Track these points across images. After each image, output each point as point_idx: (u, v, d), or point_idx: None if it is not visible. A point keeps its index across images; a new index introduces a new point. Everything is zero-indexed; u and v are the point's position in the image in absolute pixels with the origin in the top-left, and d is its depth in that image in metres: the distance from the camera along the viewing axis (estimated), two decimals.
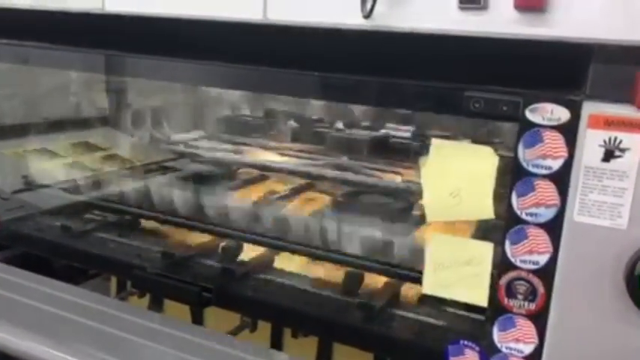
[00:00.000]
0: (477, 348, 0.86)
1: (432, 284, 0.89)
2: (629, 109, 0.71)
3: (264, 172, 1.58)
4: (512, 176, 0.78)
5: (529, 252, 0.79)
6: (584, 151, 0.73)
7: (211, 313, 1.18)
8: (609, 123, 0.71)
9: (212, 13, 0.95)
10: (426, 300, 0.99)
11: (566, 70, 0.75)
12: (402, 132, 1.54)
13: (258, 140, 1.74)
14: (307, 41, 0.91)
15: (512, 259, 0.80)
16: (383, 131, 1.61)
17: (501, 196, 0.81)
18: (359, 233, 1.14)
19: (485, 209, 0.84)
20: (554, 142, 0.75)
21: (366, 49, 0.89)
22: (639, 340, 0.74)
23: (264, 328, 1.20)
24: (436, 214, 0.88)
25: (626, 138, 0.71)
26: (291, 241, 1.20)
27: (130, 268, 1.14)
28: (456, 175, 0.85)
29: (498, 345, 0.83)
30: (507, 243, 0.80)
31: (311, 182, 1.49)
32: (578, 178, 0.74)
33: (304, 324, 1.08)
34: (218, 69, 1.03)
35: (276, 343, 1.21)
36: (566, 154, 0.75)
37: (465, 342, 0.87)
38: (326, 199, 1.37)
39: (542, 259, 0.78)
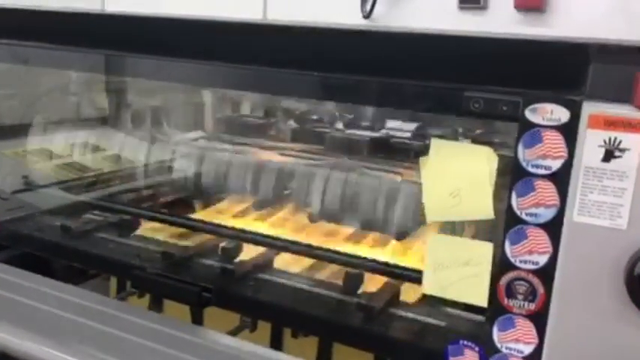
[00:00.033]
0: (477, 348, 0.86)
1: (432, 284, 0.89)
2: (629, 109, 0.71)
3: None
4: (511, 176, 0.78)
5: (529, 252, 0.79)
6: (583, 151, 0.73)
7: (211, 313, 1.17)
8: (609, 123, 0.71)
9: (212, 13, 0.95)
10: (426, 300, 0.99)
11: (566, 70, 0.75)
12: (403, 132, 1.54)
13: (258, 140, 1.74)
14: (307, 41, 0.91)
15: (512, 260, 0.80)
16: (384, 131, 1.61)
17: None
18: None
19: (485, 209, 0.84)
20: (554, 142, 0.75)
21: (366, 49, 0.89)
22: (639, 340, 0.74)
23: (264, 328, 1.20)
24: (436, 214, 0.88)
25: (625, 138, 0.71)
26: (291, 241, 1.20)
27: (130, 268, 1.14)
28: (456, 175, 0.85)
29: (498, 345, 0.83)
30: (507, 243, 0.80)
31: None
32: (577, 179, 0.74)
33: (304, 324, 1.08)
34: (218, 69, 1.03)
35: (276, 343, 1.21)
36: (565, 155, 0.75)
37: (465, 342, 0.87)
38: None
39: (542, 259, 0.78)
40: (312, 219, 1.32)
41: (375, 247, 1.25)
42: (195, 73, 1.08)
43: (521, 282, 0.80)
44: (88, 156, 1.62)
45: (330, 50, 0.91)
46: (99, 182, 1.54)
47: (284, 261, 1.19)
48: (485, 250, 0.85)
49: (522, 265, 0.80)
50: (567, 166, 0.75)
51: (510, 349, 0.82)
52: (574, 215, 0.75)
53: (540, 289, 0.79)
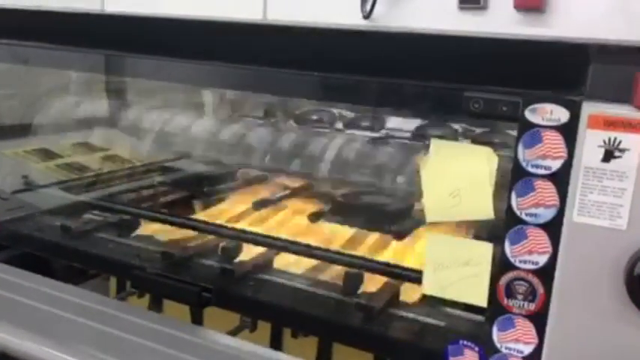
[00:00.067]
0: (477, 348, 0.86)
1: (432, 284, 0.89)
2: (629, 109, 0.71)
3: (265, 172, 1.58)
4: (511, 176, 0.78)
5: (529, 252, 0.79)
6: (583, 151, 0.73)
7: (211, 313, 1.17)
8: (609, 123, 0.71)
9: (212, 13, 0.95)
10: (426, 300, 0.99)
11: (566, 71, 0.75)
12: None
13: None
14: (307, 41, 0.91)
15: (512, 260, 0.80)
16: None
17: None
18: None
19: (485, 209, 0.84)
20: (554, 142, 0.75)
21: (366, 49, 0.89)
22: (639, 340, 0.74)
23: (264, 328, 1.20)
24: (436, 214, 0.88)
25: (625, 138, 0.71)
26: (291, 241, 1.20)
27: (130, 268, 1.14)
28: (456, 175, 0.85)
29: (498, 345, 0.83)
30: (507, 243, 0.80)
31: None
32: (577, 179, 0.74)
33: (304, 324, 1.08)
34: (218, 69, 1.03)
35: (276, 344, 1.21)
36: (565, 155, 0.75)
37: (465, 342, 0.87)
38: None
39: (542, 259, 0.78)
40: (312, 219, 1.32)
41: (377, 249, 1.25)
42: (195, 73, 1.08)
43: (521, 282, 0.80)
44: (88, 156, 1.62)
45: (330, 50, 0.91)
46: (99, 182, 1.54)
47: (284, 264, 1.18)
48: (485, 250, 0.85)
49: (522, 265, 0.80)
50: (567, 166, 0.75)
51: (510, 349, 0.82)
52: (574, 215, 0.75)
53: (540, 289, 0.79)
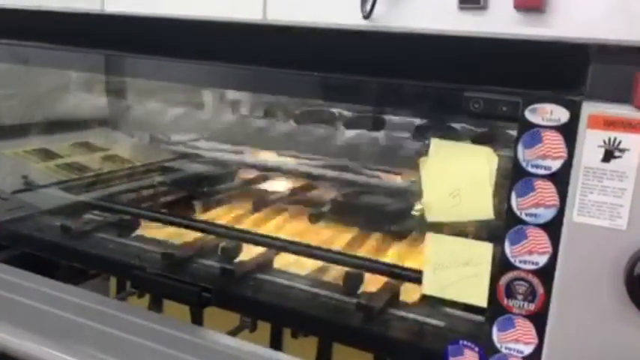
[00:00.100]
0: (477, 348, 0.86)
1: (432, 285, 0.89)
2: (629, 109, 0.71)
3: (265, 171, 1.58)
4: (511, 176, 0.78)
5: (529, 252, 0.79)
6: (583, 151, 0.73)
7: (211, 313, 1.17)
8: (609, 123, 0.71)
9: (212, 13, 0.95)
10: (426, 300, 0.99)
11: (566, 71, 0.75)
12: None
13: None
14: (307, 41, 0.91)
15: (512, 260, 0.80)
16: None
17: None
18: None
19: (485, 209, 0.84)
20: (554, 142, 0.75)
21: (366, 49, 0.89)
22: (639, 340, 0.74)
23: (264, 328, 1.20)
24: (436, 214, 0.87)
25: (625, 138, 0.71)
26: (290, 241, 1.20)
27: (130, 268, 1.14)
28: (456, 175, 0.85)
29: (498, 345, 0.83)
30: (507, 243, 0.80)
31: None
32: (577, 179, 0.74)
33: (304, 324, 1.08)
34: (218, 69, 1.03)
35: (276, 344, 1.21)
36: (565, 155, 0.75)
37: (465, 342, 0.87)
38: None
39: (542, 259, 0.78)
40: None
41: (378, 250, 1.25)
42: (195, 73, 1.08)
43: (521, 282, 0.80)
44: (88, 156, 1.63)
45: (330, 50, 0.91)
46: (99, 182, 1.54)
47: (284, 264, 1.18)
48: (485, 250, 0.85)
49: (522, 266, 0.80)
50: (567, 166, 0.75)
51: (510, 349, 0.82)
52: (574, 215, 0.75)
53: (540, 290, 0.79)
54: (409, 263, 1.13)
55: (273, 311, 1.08)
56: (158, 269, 1.12)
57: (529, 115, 0.76)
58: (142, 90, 1.67)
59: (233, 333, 1.15)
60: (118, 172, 1.61)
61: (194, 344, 1.03)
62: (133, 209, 1.38)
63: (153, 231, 1.31)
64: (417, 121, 1.23)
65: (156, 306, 1.28)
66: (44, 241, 1.29)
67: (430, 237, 0.89)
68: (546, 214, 0.77)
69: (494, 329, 0.83)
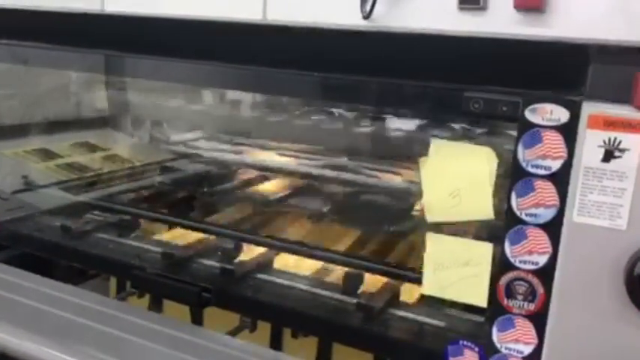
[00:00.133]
0: (477, 348, 0.86)
1: (432, 285, 0.89)
2: (629, 109, 0.71)
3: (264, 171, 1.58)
4: (511, 176, 0.78)
5: (529, 252, 0.79)
6: (583, 151, 0.73)
7: (211, 313, 1.17)
8: (609, 123, 0.71)
9: (212, 13, 0.95)
10: (426, 300, 0.99)
11: (566, 71, 0.75)
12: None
13: (258, 141, 1.74)
14: (307, 41, 0.91)
15: (512, 260, 0.80)
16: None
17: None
18: None
19: (485, 209, 0.84)
20: (554, 142, 0.75)
21: (366, 49, 0.89)
22: (639, 340, 0.74)
23: (264, 328, 1.20)
24: (436, 214, 0.87)
25: (625, 138, 0.71)
26: (290, 241, 1.20)
27: (130, 268, 1.14)
28: (456, 175, 0.85)
29: (498, 345, 0.83)
30: (507, 243, 0.80)
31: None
32: (577, 179, 0.74)
33: (304, 324, 1.08)
34: (218, 69, 1.03)
35: (276, 344, 1.21)
36: (565, 155, 0.75)
37: (465, 342, 0.87)
38: None
39: (542, 259, 0.78)
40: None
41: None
42: (195, 73, 1.08)
43: (521, 282, 0.80)
44: (88, 156, 1.63)
45: (330, 50, 0.91)
46: (99, 182, 1.54)
47: (284, 265, 1.18)
48: (484, 250, 0.85)
49: (522, 266, 0.80)
50: (567, 166, 0.75)
51: (510, 349, 0.82)
52: (574, 215, 0.75)
53: (540, 290, 0.79)
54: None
55: (273, 311, 1.08)
56: (158, 269, 1.12)
57: (529, 115, 0.76)
58: (142, 89, 1.67)
59: (233, 333, 1.15)
60: (118, 172, 1.61)
61: (194, 344, 1.03)
62: (133, 209, 1.38)
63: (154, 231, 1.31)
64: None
65: (156, 306, 1.28)
66: (44, 241, 1.29)
67: (430, 237, 0.89)
68: (546, 214, 0.77)
69: (494, 329, 0.83)
